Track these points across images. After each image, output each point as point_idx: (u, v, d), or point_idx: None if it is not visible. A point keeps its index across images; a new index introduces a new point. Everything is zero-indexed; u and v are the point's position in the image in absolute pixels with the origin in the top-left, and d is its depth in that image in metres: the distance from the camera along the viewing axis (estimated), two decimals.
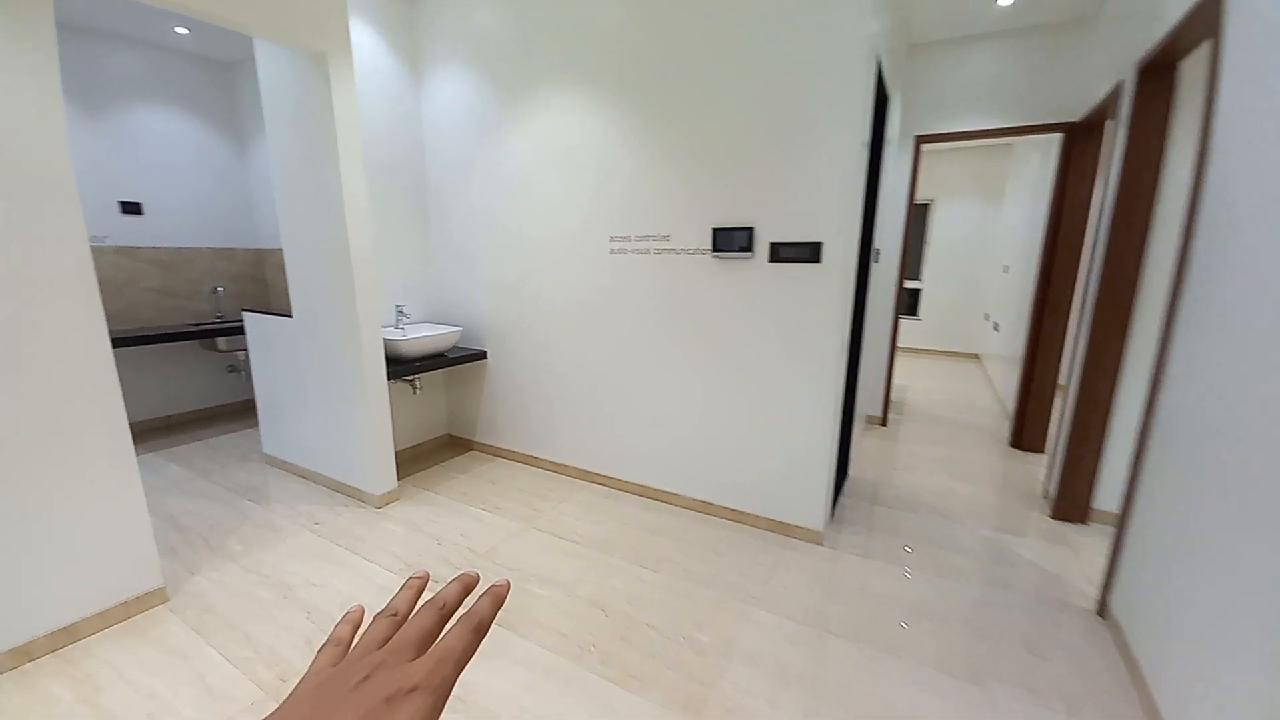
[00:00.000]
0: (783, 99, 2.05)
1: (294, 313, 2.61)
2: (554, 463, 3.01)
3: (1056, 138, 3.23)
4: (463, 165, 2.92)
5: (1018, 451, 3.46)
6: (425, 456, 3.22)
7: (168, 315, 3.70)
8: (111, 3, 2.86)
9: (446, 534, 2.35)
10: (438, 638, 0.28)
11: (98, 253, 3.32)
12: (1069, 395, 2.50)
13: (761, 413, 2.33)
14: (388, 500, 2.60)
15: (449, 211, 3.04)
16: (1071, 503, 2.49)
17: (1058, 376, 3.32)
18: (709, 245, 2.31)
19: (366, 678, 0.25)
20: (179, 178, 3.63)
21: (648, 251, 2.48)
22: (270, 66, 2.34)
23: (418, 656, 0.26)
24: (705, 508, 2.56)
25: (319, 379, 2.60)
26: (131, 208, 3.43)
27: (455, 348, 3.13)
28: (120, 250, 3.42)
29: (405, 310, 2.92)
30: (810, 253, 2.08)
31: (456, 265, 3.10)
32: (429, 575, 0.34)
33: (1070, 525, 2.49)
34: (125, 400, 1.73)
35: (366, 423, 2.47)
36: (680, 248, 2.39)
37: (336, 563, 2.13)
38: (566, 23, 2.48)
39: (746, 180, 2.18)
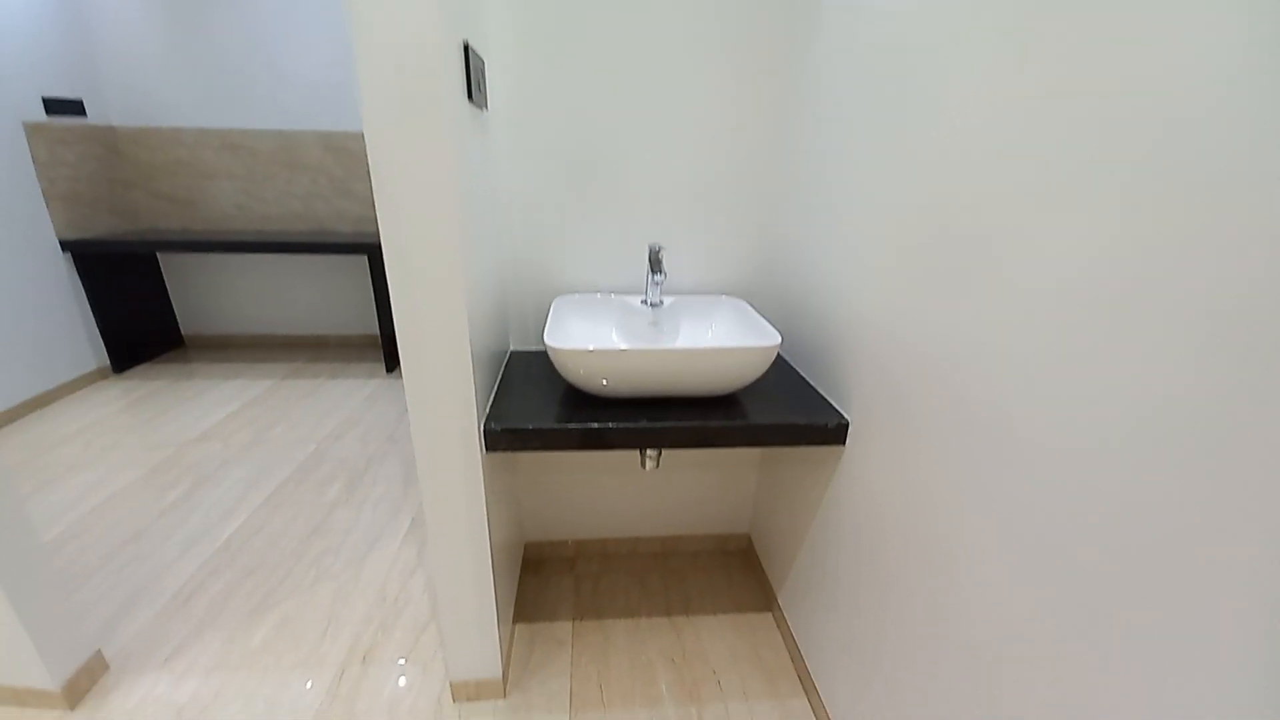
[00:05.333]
0: None
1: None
2: None
3: None
4: None
5: None
6: (690, 567, 1.55)
7: None
8: None
9: None
10: None
11: None
12: None
13: None
14: (473, 694, 1.13)
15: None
16: None
17: None
18: None
19: None
20: None
21: None
22: None
23: None
24: None
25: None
26: None
27: (779, 370, 1.18)
28: None
29: (663, 261, 1.11)
30: None
31: (822, 169, 1.02)
32: None
33: None
34: None
35: (439, 524, 0.98)
36: None
37: None
38: None
39: None
